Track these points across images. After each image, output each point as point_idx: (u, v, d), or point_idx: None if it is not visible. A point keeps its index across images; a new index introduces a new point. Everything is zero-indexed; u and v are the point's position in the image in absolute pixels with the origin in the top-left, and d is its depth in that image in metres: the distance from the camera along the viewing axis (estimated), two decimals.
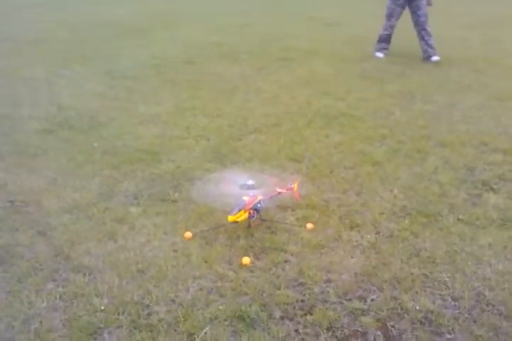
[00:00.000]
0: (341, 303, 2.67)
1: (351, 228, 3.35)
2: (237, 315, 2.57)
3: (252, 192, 3.31)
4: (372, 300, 2.69)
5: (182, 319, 2.55)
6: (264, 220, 3.35)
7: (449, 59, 8.10)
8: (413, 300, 2.67)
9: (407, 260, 3.00)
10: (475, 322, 2.53)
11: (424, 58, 8.14)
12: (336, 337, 2.46)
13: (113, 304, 2.66)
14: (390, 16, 8.36)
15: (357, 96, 6.29)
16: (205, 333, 2.45)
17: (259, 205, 3.25)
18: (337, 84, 6.91)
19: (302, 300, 2.69)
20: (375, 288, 2.78)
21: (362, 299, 2.70)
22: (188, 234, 3.21)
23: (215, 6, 16.01)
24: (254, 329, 2.49)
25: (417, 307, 2.61)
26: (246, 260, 2.96)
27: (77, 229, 3.35)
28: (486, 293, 2.71)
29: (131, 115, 5.66)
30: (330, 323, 2.53)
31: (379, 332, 2.47)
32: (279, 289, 2.76)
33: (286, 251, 3.09)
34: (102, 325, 2.52)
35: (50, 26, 11.92)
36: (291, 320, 2.57)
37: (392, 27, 8.40)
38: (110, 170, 4.21)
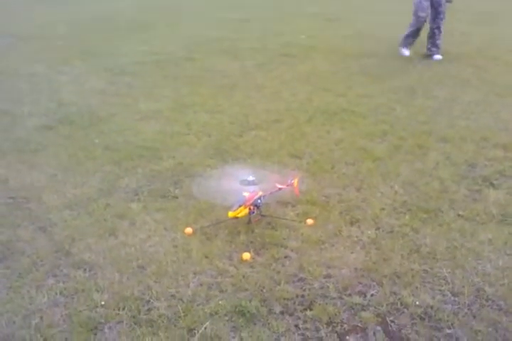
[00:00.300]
0: (341, 298, 2.67)
1: (351, 223, 3.36)
2: (237, 310, 2.57)
3: (252, 188, 3.31)
4: (372, 295, 2.69)
5: (182, 314, 2.55)
6: (264, 216, 3.35)
7: (448, 54, 8.07)
8: (413, 295, 2.68)
9: (407, 255, 3.00)
10: (475, 317, 2.53)
11: (427, 55, 8.10)
12: (336, 332, 2.46)
13: (113, 299, 2.66)
14: (418, 12, 7.80)
15: (358, 92, 6.28)
16: (206, 328, 2.46)
17: (259, 201, 3.25)
18: (338, 80, 6.90)
19: (302, 296, 2.69)
20: (374, 283, 2.78)
21: (362, 294, 2.70)
22: (189, 230, 3.22)
23: (215, 1, 15.99)
24: (255, 324, 2.50)
25: (417, 303, 2.62)
26: (246, 255, 2.96)
27: (77, 225, 3.36)
28: (486, 288, 2.72)
29: (131, 111, 5.66)
30: (330, 318, 2.54)
31: (379, 327, 2.48)
32: (279, 284, 2.77)
33: (286, 246, 3.10)
34: (102, 321, 2.53)
35: (50, 22, 11.91)
36: (291, 315, 2.57)
37: (422, 23, 7.87)
38: (111, 166, 4.21)
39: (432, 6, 7.78)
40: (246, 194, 3.21)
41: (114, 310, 2.59)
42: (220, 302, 2.63)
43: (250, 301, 2.62)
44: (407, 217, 3.43)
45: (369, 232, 3.25)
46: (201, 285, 2.77)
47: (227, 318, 2.54)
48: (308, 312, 2.57)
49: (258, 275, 2.83)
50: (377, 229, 3.29)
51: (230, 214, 3.12)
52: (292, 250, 3.07)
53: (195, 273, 2.86)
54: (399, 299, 2.65)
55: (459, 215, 3.45)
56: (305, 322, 2.52)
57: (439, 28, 7.89)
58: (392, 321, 2.52)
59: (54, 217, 3.46)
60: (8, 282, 2.81)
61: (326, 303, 2.63)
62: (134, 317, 2.55)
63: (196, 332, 2.45)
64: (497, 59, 7.92)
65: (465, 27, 10.37)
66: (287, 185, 3.48)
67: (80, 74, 7.28)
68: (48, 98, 6.14)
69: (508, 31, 10.27)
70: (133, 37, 10.17)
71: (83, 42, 9.72)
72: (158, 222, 3.38)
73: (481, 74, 7.09)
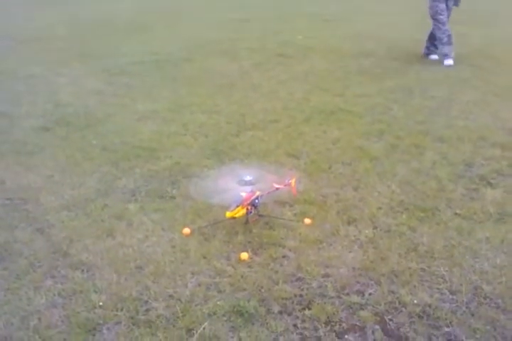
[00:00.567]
0: (339, 298, 2.67)
1: (349, 223, 3.36)
2: (235, 310, 2.57)
3: (249, 188, 3.31)
4: (370, 294, 2.69)
5: (180, 314, 2.55)
6: (261, 216, 3.35)
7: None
8: (411, 294, 2.68)
9: (405, 254, 3.01)
10: (473, 315, 2.54)
11: (424, 55, 8.10)
12: (334, 331, 2.46)
13: (111, 300, 2.66)
14: (436, 15, 7.61)
15: (355, 91, 6.29)
16: (204, 328, 2.46)
17: (256, 201, 3.25)
18: (335, 79, 6.91)
19: (300, 295, 2.69)
20: (372, 282, 2.78)
21: (360, 293, 2.70)
22: (187, 231, 3.22)
23: (214, 2, 16.00)
24: (253, 324, 2.50)
25: (415, 301, 2.62)
26: (244, 255, 2.96)
27: (75, 226, 3.36)
28: (484, 286, 2.72)
29: (129, 111, 5.66)
30: (328, 317, 2.54)
31: (377, 326, 2.48)
32: (278, 284, 2.77)
33: (284, 246, 3.10)
34: (100, 321, 2.53)
35: (49, 23, 11.91)
36: (289, 314, 2.57)
37: (444, 24, 7.60)
38: (108, 167, 4.21)
39: None
40: (243, 194, 3.20)
41: (112, 310, 2.59)
42: (218, 302, 2.63)
43: (248, 301, 2.62)
44: (404, 216, 3.43)
45: (366, 231, 3.25)
46: (199, 285, 2.77)
47: (225, 318, 2.54)
48: (306, 312, 2.57)
49: (256, 275, 2.83)
50: (375, 228, 3.29)
51: (228, 214, 3.11)
52: (290, 250, 3.07)
53: (193, 274, 2.86)
54: (397, 298, 2.65)
55: (456, 214, 3.45)
56: (303, 321, 2.52)
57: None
58: (390, 320, 2.52)
59: (51, 218, 3.46)
60: (5, 283, 2.81)
61: (325, 303, 2.63)
62: (132, 317, 2.55)
63: (195, 332, 2.45)
64: (495, 59, 7.92)
65: (464, 27, 10.34)
66: (285, 185, 3.48)
67: (78, 76, 7.28)
68: (46, 99, 6.14)
69: (507, 31, 10.28)
70: (132, 38, 10.17)
71: (82, 43, 9.72)
72: (155, 222, 3.38)
73: (479, 74, 7.10)
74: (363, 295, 2.69)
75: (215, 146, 4.60)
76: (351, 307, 2.60)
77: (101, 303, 2.64)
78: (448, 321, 2.49)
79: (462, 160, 4.26)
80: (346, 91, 6.28)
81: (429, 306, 2.59)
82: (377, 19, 12.02)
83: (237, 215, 3.15)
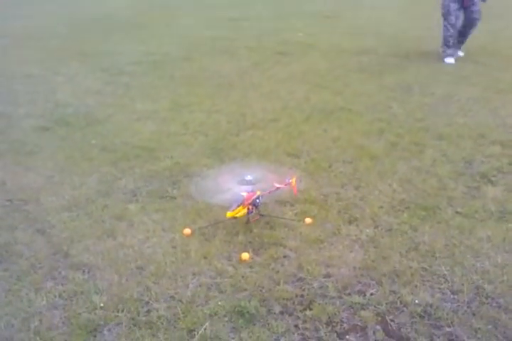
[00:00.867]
0: (340, 298, 2.67)
1: (350, 222, 3.35)
2: (236, 310, 2.57)
3: (250, 188, 3.30)
4: (371, 294, 2.69)
5: (182, 315, 2.55)
6: (262, 215, 3.34)
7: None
8: (412, 293, 2.67)
9: (406, 253, 3.00)
10: (474, 315, 2.53)
11: (441, 51, 7.81)
12: (336, 331, 2.45)
13: (112, 301, 2.65)
14: (447, 15, 7.49)
15: (355, 90, 6.28)
16: (205, 329, 2.45)
17: (257, 200, 3.24)
18: (335, 78, 6.90)
19: (301, 295, 2.69)
20: (374, 282, 2.78)
21: (361, 293, 2.69)
22: (188, 231, 3.21)
23: (211, 0, 15.98)
24: (254, 324, 2.49)
25: (416, 301, 2.61)
26: (245, 255, 2.96)
27: (76, 227, 3.35)
28: (485, 286, 2.71)
29: (128, 111, 5.66)
30: (329, 318, 2.53)
31: (378, 327, 2.47)
32: (279, 284, 2.76)
33: (285, 246, 3.09)
34: (101, 322, 2.52)
35: (47, 22, 11.90)
36: (290, 315, 2.56)
37: (453, 26, 7.52)
38: (108, 167, 4.20)
39: (465, 6, 7.40)
40: (244, 194, 3.20)
41: (113, 311, 2.59)
42: (219, 302, 2.63)
43: (249, 301, 2.62)
44: (405, 214, 3.42)
45: (367, 231, 3.24)
46: (200, 285, 2.76)
47: (226, 319, 2.53)
48: (307, 312, 2.57)
49: (257, 276, 2.82)
50: (376, 227, 3.29)
51: (229, 214, 3.10)
52: (291, 249, 3.06)
53: (194, 274, 2.85)
54: (398, 298, 2.65)
55: (457, 212, 3.44)
56: (304, 322, 2.51)
57: (472, 28, 7.55)
58: (391, 320, 2.51)
59: (52, 219, 3.45)
60: (6, 285, 2.80)
61: (326, 303, 2.62)
62: (133, 318, 2.54)
63: (196, 333, 2.44)
64: (496, 55, 7.91)
65: None
66: (285, 184, 3.47)
67: (76, 75, 7.28)
68: (45, 99, 6.14)
69: (507, 27, 10.26)
70: (130, 37, 10.17)
71: (80, 42, 9.72)
72: (156, 222, 3.38)
73: (479, 70, 7.10)
74: (365, 295, 2.68)
75: (215, 145, 4.59)
76: (352, 308, 2.59)
77: (102, 304, 2.63)
78: (449, 321, 2.49)
79: (462, 157, 4.26)
80: (346, 90, 6.28)
81: (431, 306, 2.58)
82: (376, 15, 12.01)
83: (237, 215, 3.14)
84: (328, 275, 2.83)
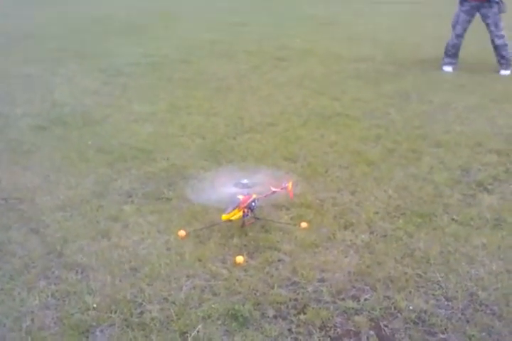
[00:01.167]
0: (334, 303, 2.66)
1: (345, 227, 3.34)
2: (230, 313, 2.56)
3: (246, 191, 3.29)
4: (365, 299, 2.68)
5: (175, 317, 2.54)
6: (258, 219, 3.34)
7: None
8: (406, 299, 2.66)
9: (401, 260, 2.99)
10: (468, 322, 2.52)
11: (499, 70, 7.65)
12: (329, 336, 2.45)
13: (105, 302, 2.64)
14: (455, 24, 7.49)
15: (352, 96, 6.28)
16: (198, 332, 2.45)
17: (253, 204, 3.24)
18: (332, 83, 6.91)
19: (295, 299, 2.68)
20: (368, 287, 2.77)
21: (355, 298, 2.69)
22: (182, 233, 3.20)
23: (211, 4, 16.00)
24: (247, 328, 2.48)
25: (411, 307, 2.61)
26: (240, 259, 2.95)
27: (70, 227, 3.34)
28: (479, 293, 2.71)
29: (125, 112, 5.65)
30: (323, 322, 2.52)
31: (372, 332, 2.47)
32: (273, 288, 2.75)
33: (279, 250, 3.08)
34: (94, 323, 2.51)
35: (45, 22, 11.90)
36: (284, 319, 2.56)
37: (457, 37, 7.50)
38: (104, 168, 4.19)
39: (482, 20, 7.39)
40: (240, 197, 3.19)
41: (106, 312, 2.57)
42: (212, 305, 2.62)
43: (243, 305, 2.61)
44: (400, 221, 3.42)
45: (363, 236, 3.24)
46: (194, 288, 2.75)
47: (220, 322, 2.52)
48: (301, 316, 2.56)
49: (251, 279, 2.81)
50: (371, 233, 3.28)
51: (224, 216, 3.10)
52: (286, 253, 3.05)
53: (188, 276, 2.84)
54: (392, 303, 2.64)
55: (452, 220, 3.44)
56: (298, 326, 2.50)
57: (492, 41, 7.44)
58: (385, 325, 2.50)
59: (47, 219, 3.44)
60: None
61: (320, 307, 2.62)
62: (126, 320, 2.53)
63: (189, 335, 2.43)
64: (492, 63, 7.90)
65: None
66: (281, 188, 3.46)
67: (74, 75, 7.27)
68: (42, 99, 6.13)
69: (508, 35, 10.26)
70: (128, 39, 10.17)
71: (77, 43, 9.72)
72: (151, 224, 3.37)
73: (476, 78, 7.11)
74: (359, 300, 2.67)
75: (212, 148, 4.59)
76: (346, 313, 2.59)
77: (95, 305, 2.62)
78: (443, 328, 2.48)
79: (459, 165, 4.26)
80: (343, 96, 6.28)
81: (425, 312, 2.58)
82: (374, 22, 12.05)
83: (233, 218, 3.13)
84: (322, 280, 2.83)
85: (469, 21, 7.43)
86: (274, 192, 3.43)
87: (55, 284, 2.79)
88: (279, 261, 2.99)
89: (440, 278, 2.83)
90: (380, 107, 5.82)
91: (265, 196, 3.38)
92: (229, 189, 3.35)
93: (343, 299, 2.68)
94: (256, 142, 4.75)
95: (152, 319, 2.53)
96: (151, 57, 8.47)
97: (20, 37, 10.16)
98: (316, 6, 15.27)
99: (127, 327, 2.49)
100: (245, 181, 3.38)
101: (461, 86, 6.71)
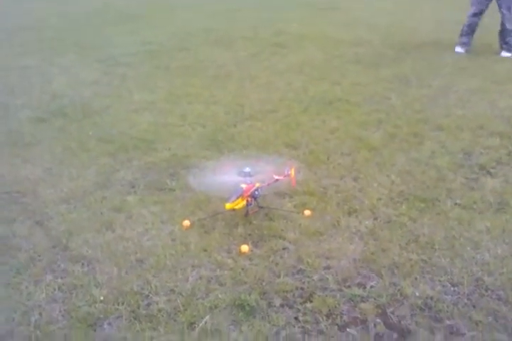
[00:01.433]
0: (340, 290, 2.66)
1: (349, 214, 3.34)
2: (236, 303, 2.56)
3: (249, 180, 3.29)
4: (371, 286, 2.68)
5: (182, 308, 2.54)
6: (261, 207, 3.34)
7: (444, 42, 8.05)
8: (412, 286, 2.67)
9: (406, 246, 3.00)
10: (474, 307, 2.53)
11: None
12: (336, 324, 2.45)
13: (112, 294, 2.65)
14: (471, 4, 7.53)
15: (352, 80, 6.26)
16: (205, 322, 2.45)
17: (256, 192, 3.24)
18: (332, 69, 6.88)
19: (301, 288, 2.69)
20: (374, 274, 2.77)
21: (361, 286, 2.69)
22: (187, 223, 3.20)
23: None
24: (254, 317, 2.49)
25: (417, 294, 2.61)
26: (245, 248, 2.95)
27: (74, 219, 3.34)
28: (485, 278, 2.71)
29: (125, 102, 5.64)
30: (329, 310, 2.53)
31: (378, 319, 2.47)
32: (279, 277, 2.76)
33: (284, 238, 3.08)
34: (101, 316, 2.52)
35: (41, 15, 11.85)
36: (290, 307, 2.56)
37: (474, 15, 7.52)
38: (106, 159, 4.19)
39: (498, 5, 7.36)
40: (243, 185, 3.19)
41: (113, 305, 2.58)
42: (219, 295, 2.62)
43: (250, 294, 2.61)
44: (404, 206, 3.41)
45: (367, 222, 3.24)
46: (200, 278, 2.76)
47: (226, 312, 2.52)
48: (307, 305, 2.56)
49: (257, 268, 2.82)
50: (375, 219, 3.28)
51: (228, 205, 3.09)
52: (290, 242, 3.05)
53: (193, 267, 2.85)
54: (398, 290, 2.64)
55: (456, 204, 3.44)
56: (305, 314, 2.51)
57: (503, 24, 7.48)
58: (392, 312, 2.51)
59: (50, 211, 3.44)
60: (5, 278, 2.79)
61: (326, 295, 2.62)
62: (133, 312, 2.54)
63: (196, 326, 2.44)
64: (493, 46, 7.87)
65: (464, 15, 10.27)
66: (284, 176, 3.46)
67: (72, 66, 7.24)
68: (41, 90, 6.11)
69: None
70: (124, 28, 10.12)
71: (74, 33, 9.68)
72: (155, 214, 3.37)
73: (477, 61, 7.07)
74: (365, 287, 2.68)
75: (213, 137, 4.58)
76: (353, 300, 2.59)
77: (102, 298, 2.62)
78: (449, 313, 2.48)
79: (461, 149, 4.25)
80: (343, 81, 6.25)
81: (431, 298, 2.58)
82: (372, 6, 11.97)
83: (236, 207, 3.13)
84: (328, 268, 2.83)
85: (485, 4, 7.39)
86: (276, 180, 3.42)
87: (61, 277, 2.79)
88: (283, 249, 3.00)
89: (445, 264, 2.83)
90: (380, 92, 5.80)
91: (268, 184, 3.38)
92: (231, 178, 3.34)
93: (349, 286, 2.69)
94: (257, 129, 4.74)
95: (159, 310, 2.54)
96: (147, 46, 8.43)
97: (16, 29, 10.10)
98: None
99: (135, 319, 2.49)
100: (248, 169, 3.37)
101: (462, 69, 6.68)
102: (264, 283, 2.71)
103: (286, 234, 3.12)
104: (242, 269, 2.81)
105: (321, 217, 3.30)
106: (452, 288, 2.65)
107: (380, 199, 3.52)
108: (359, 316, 2.50)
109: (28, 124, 5.03)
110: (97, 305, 2.58)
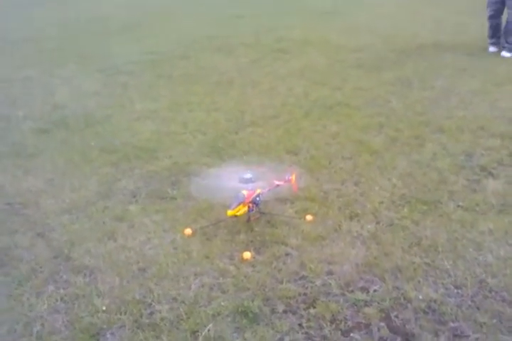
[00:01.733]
0: (344, 295, 2.65)
1: (351, 218, 3.33)
2: (239, 310, 2.56)
3: (250, 186, 3.28)
4: (374, 290, 2.67)
5: (185, 316, 2.54)
6: (263, 213, 3.33)
7: (444, 44, 8.05)
8: (416, 289, 2.66)
9: (408, 249, 2.98)
10: (478, 309, 2.51)
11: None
12: (340, 329, 2.44)
13: (115, 304, 2.65)
14: (487, 7, 7.58)
15: (353, 85, 6.25)
16: (209, 330, 2.44)
17: (257, 199, 3.23)
18: (333, 73, 6.87)
19: (304, 294, 2.68)
20: (377, 278, 2.76)
21: (364, 290, 2.68)
22: (188, 231, 3.20)
23: None
24: (258, 324, 2.48)
25: (420, 297, 2.60)
26: (247, 255, 2.95)
27: (76, 229, 3.34)
28: (489, 279, 2.69)
29: (127, 112, 5.65)
30: (333, 316, 2.52)
31: (382, 323, 2.46)
32: (281, 283, 2.75)
33: (286, 244, 3.08)
34: (104, 326, 2.51)
35: (41, 25, 11.89)
36: (294, 313, 2.55)
37: (490, 18, 7.57)
38: (108, 169, 4.20)
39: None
40: (244, 192, 3.18)
41: (115, 314, 2.58)
42: (222, 303, 2.62)
43: (253, 301, 2.61)
44: (406, 209, 3.40)
45: (369, 226, 3.23)
46: (203, 286, 2.75)
47: (230, 319, 2.52)
48: (311, 310, 2.55)
49: (259, 275, 2.81)
50: (377, 222, 3.27)
51: (229, 212, 3.09)
52: (293, 247, 3.05)
53: (196, 275, 2.84)
54: (402, 294, 2.63)
55: (458, 206, 3.43)
56: (308, 320, 2.50)
57: (508, 23, 7.42)
58: (395, 316, 2.50)
59: (52, 222, 3.44)
60: (7, 289, 2.79)
61: (329, 300, 2.61)
62: (136, 321, 2.53)
63: (199, 334, 2.43)
64: None
65: (463, 17, 10.29)
66: (285, 181, 3.46)
67: (73, 77, 7.26)
68: (43, 101, 6.13)
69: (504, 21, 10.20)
70: (125, 37, 10.14)
71: (75, 43, 9.70)
72: (157, 223, 3.37)
73: (477, 63, 7.05)
74: (368, 291, 2.67)
75: (214, 144, 4.58)
76: (356, 305, 2.58)
77: (104, 307, 2.62)
78: (454, 316, 2.47)
79: (462, 150, 4.24)
80: (345, 85, 6.24)
81: (435, 301, 2.57)
82: (372, 11, 11.96)
83: (238, 214, 3.13)
84: (330, 273, 2.82)
85: (497, 2, 7.41)
86: (277, 185, 3.42)
87: (63, 288, 2.79)
88: (286, 255, 2.99)
89: (448, 266, 2.82)
90: (381, 95, 5.79)
91: (269, 190, 3.37)
92: (232, 184, 3.34)
93: (352, 291, 2.68)
94: (258, 136, 4.74)
95: (162, 319, 2.53)
96: (149, 55, 8.43)
97: (16, 40, 10.14)
98: None
99: (138, 328, 2.49)
100: (249, 175, 3.37)
101: (462, 70, 6.66)
102: (266, 290, 2.70)
103: (288, 240, 3.11)
104: (245, 276, 2.81)
105: (323, 222, 3.30)
106: (456, 291, 2.64)
107: (381, 202, 3.51)
108: (363, 321, 2.49)
109: (30, 135, 5.05)
110: (99, 315, 2.58)
